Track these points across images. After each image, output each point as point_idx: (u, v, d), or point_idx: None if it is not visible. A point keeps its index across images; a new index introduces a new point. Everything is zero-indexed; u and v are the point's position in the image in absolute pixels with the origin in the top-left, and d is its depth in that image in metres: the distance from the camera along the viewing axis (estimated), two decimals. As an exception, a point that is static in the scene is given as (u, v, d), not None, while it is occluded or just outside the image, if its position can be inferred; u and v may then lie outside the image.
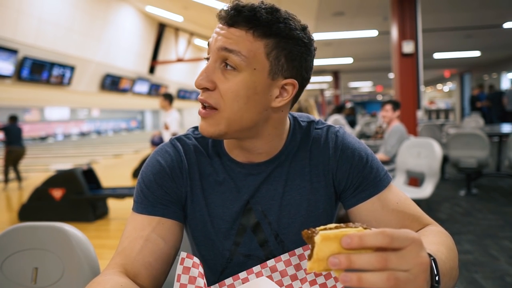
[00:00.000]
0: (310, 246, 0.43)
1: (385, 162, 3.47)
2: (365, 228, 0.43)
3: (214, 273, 0.77)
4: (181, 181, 0.74)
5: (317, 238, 0.42)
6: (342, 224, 0.44)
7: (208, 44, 0.68)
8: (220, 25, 0.67)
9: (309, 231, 0.44)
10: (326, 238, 0.41)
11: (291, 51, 0.66)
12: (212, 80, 0.66)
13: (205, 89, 0.66)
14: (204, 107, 0.68)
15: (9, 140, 6.47)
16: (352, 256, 0.40)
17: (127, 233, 0.70)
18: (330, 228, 0.43)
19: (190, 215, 0.75)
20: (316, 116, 0.86)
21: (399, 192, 0.75)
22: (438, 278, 0.48)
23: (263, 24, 0.64)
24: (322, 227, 0.44)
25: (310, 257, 0.42)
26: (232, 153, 0.75)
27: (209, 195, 0.75)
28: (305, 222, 0.75)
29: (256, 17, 0.64)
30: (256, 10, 0.64)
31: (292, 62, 0.67)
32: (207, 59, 0.69)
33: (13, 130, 6.51)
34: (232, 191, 0.74)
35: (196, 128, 0.81)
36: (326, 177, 0.76)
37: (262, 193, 0.75)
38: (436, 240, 0.63)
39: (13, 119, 6.66)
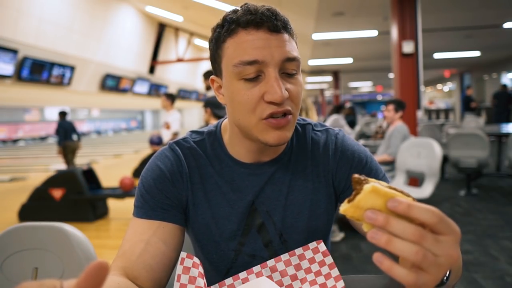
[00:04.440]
0: (353, 191, 0.42)
1: (389, 163, 3.47)
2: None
3: (219, 273, 0.77)
4: (182, 185, 0.74)
5: (366, 187, 0.40)
6: (397, 188, 0.43)
7: (255, 62, 0.64)
8: (263, 34, 0.64)
9: (362, 177, 0.42)
10: (375, 190, 0.40)
11: (295, 38, 0.70)
12: (286, 89, 0.66)
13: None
14: (283, 115, 0.67)
15: (63, 135, 6.52)
16: (391, 219, 0.39)
17: (128, 237, 0.70)
18: (383, 185, 0.42)
19: (192, 218, 0.76)
20: (314, 116, 0.87)
21: (399, 193, 0.75)
22: (449, 273, 0.49)
23: (289, 24, 0.68)
24: (375, 180, 0.43)
25: (349, 200, 0.41)
26: (236, 154, 0.76)
27: (213, 197, 0.75)
28: (308, 221, 0.76)
29: (286, 20, 0.67)
30: (277, 12, 0.67)
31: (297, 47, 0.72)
32: (253, 78, 0.65)
33: (64, 125, 6.56)
34: (236, 192, 0.75)
35: (194, 132, 0.82)
36: (326, 177, 0.77)
37: (267, 193, 0.75)
38: None
39: (63, 114, 6.68)
